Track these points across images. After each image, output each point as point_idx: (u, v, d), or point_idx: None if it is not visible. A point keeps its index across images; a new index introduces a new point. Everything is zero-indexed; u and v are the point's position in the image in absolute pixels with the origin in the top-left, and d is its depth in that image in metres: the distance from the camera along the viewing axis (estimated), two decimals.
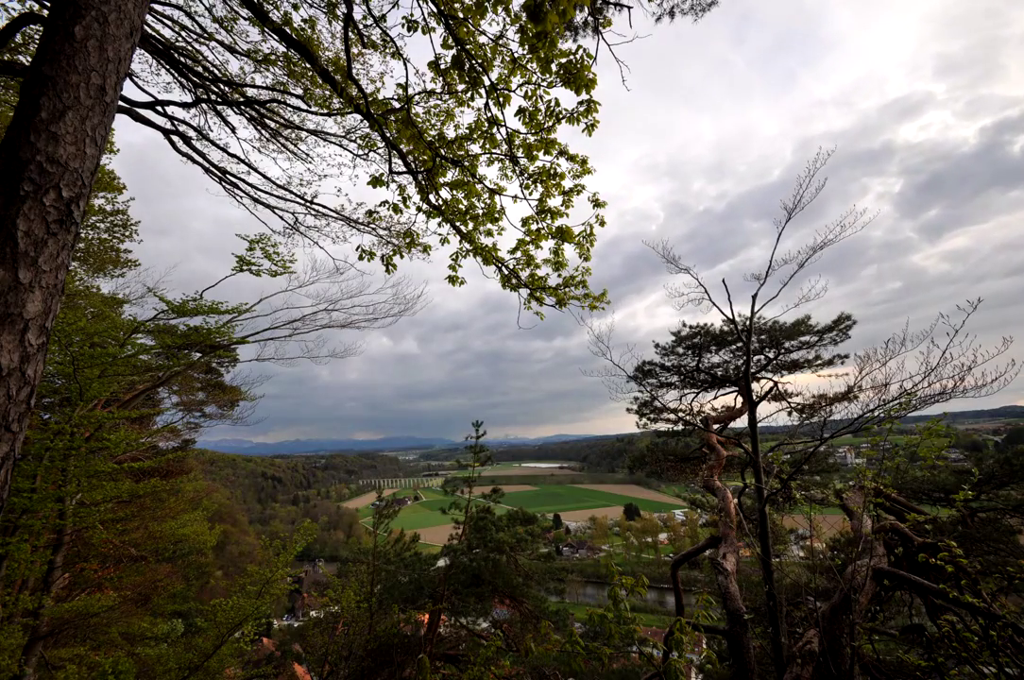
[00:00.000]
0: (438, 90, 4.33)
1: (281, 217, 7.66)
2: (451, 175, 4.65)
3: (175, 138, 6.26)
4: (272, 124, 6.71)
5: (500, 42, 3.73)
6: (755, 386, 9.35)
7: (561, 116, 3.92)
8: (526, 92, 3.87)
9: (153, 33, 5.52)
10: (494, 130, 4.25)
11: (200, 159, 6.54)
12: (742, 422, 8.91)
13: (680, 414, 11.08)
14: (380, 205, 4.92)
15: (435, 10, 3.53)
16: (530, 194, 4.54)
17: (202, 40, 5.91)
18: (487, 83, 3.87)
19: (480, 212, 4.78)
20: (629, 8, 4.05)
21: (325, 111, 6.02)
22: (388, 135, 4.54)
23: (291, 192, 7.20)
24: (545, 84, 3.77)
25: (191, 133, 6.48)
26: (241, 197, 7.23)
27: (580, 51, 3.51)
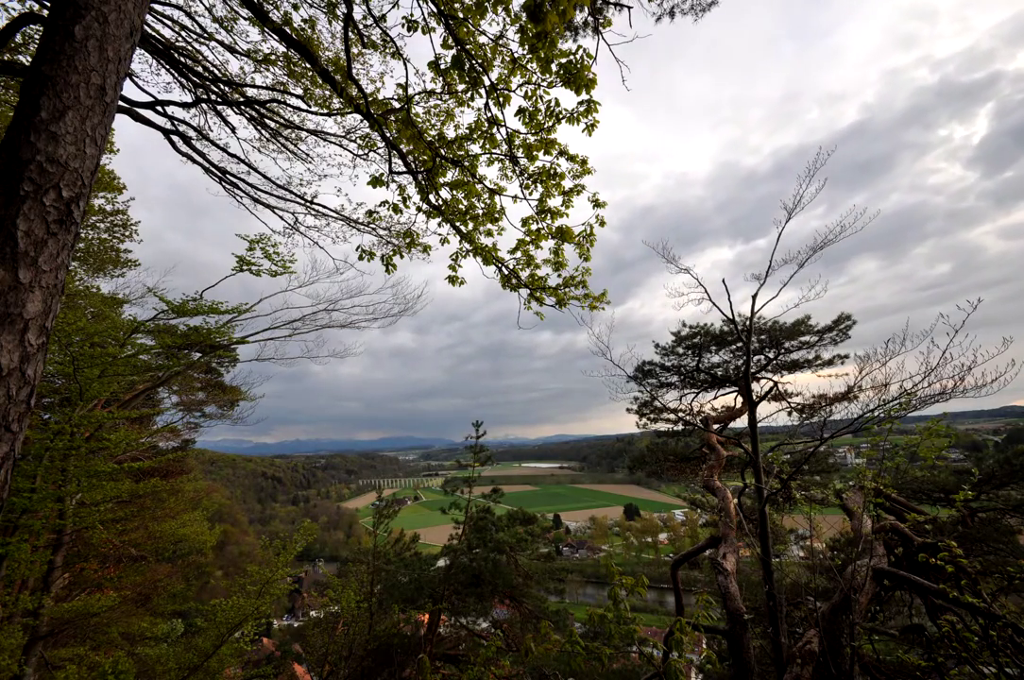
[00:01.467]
0: (438, 90, 4.33)
1: (281, 217, 7.66)
2: (451, 175, 4.65)
3: (175, 138, 6.26)
4: (272, 124, 6.71)
5: (500, 42, 3.74)
6: (755, 386, 9.36)
7: (561, 116, 3.92)
8: (526, 92, 3.87)
9: (153, 33, 5.52)
10: (494, 130, 4.25)
11: (200, 159, 6.54)
12: (742, 422, 8.91)
13: (680, 414, 11.09)
14: (380, 205, 4.92)
15: (435, 10, 3.53)
16: (530, 194, 4.54)
17: (202, 40, 5.91)
18: (487, 83, 3.87)
19: (480, 212, 4.78)
20: (629, 8, 4.05)
21: (325, 111, 6.02)
22: (388, 135, 4.54)
23: (291, 192, 7.20)
24: (545, 84, 3.77)
25: (191, 133, 6.48)
26: (241, 197, 7.23)
27: (580, 51, 3.50)
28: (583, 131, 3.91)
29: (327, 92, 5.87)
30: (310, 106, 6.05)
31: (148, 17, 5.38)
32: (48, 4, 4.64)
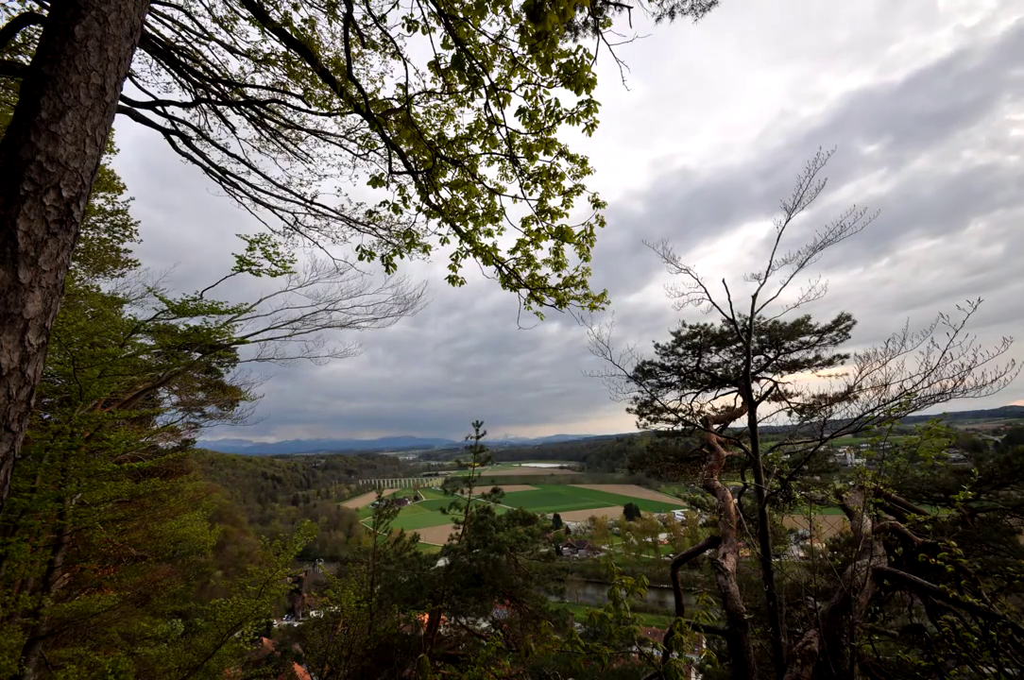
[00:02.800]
0: (438, 90, 4.33)
1: (281, 217, 7.66)
2: (451, 175, 4.65)
3: (175, 138, 6.26)
4: (272, 124, 6.71)
5: (500, 42, 3.73)
6: (755, 386, 9.36)
7: (561, 116, 3.92)
8: (526, 92, 3.87)
9: (153, 33, 5.52)
10: (494, 130, 4.25)
11: (200, 159, 6.54)
12: (742, 422, 8.91)
13: (680, 414, 11.09)
14: (380, 205, 4.92)
15: (435, 10, 3.53)
16: (530, 194, 4.54)
17: (202, 40, 5.91)
18: (487, 83, 3.87)
19: (480, 212, 4.78)
20: (629, 8, 4.05)
21: (325, 111, 6.02)
22: (388, 135, 4.54)
23: (291, 192, 7.20)
24: (545, 84, 3.77)
25: (191, 133, 6.48)
26: (241, 197, 7.23)
27: (580, 51, 3.51)
28: (583, 131, 3.91)
29: (327, 92, 5.87)
30: (310, 106, 6.05)
31: (148, 17, 5.38)
32: (48, 4, 4.64)
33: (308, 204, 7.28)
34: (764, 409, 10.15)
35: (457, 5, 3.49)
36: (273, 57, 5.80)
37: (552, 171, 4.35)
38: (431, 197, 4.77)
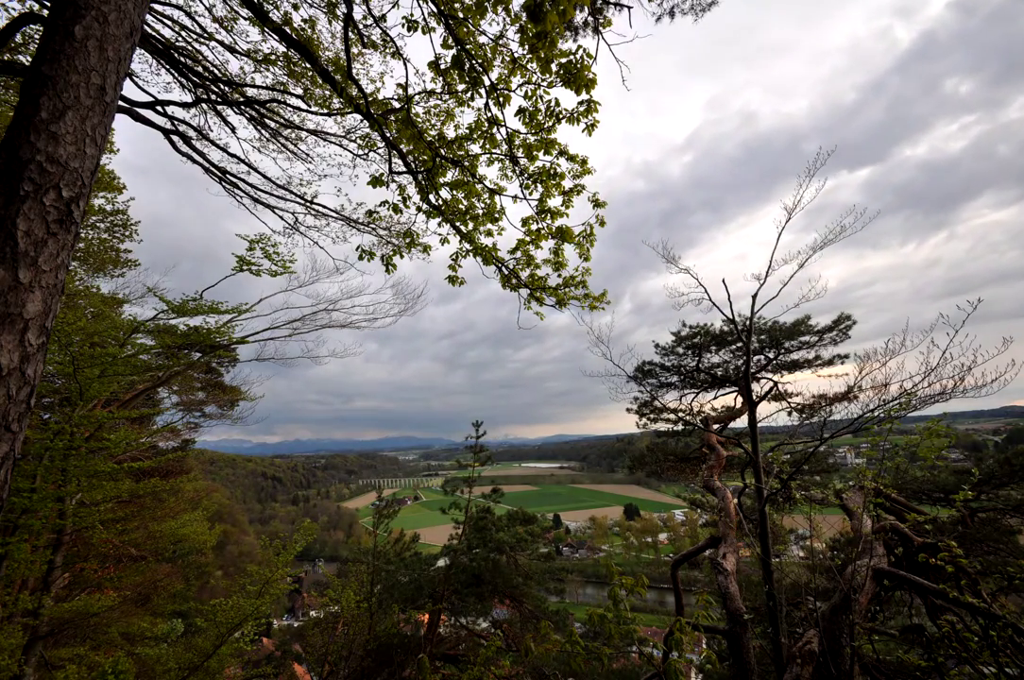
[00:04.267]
0: (438, 90, 4.33)
1: (281, 217, 7.66)
2: (451, 175, 4.64)
3: (175, 138, 6.26)
4: (272, 124, 6.71)
5: (500, 42, 3.73)
6: (755, 386, 9.36)
7: (561, 116, 3.92)
8: (526, 92, 3.87)
9: (153, 33, 5.52)
10: (494, 130, 4.25)
11: (200, 159, 6.54)
12: (742, 422, 8.91)
13: (680, 414, 11.08)
14: (380, 205, 4.92)
15: (435, 10, 3.53)
16: (530, 194, 4.54)
17: (202, 40, 5.91)
18: (487, 83, 3.87)
19: (480, 212, 4.78)
20: (629, 8, 4.05)
21: (325, 111, 6.02)
22: (388, 135, 4.54)
23: (291, 192, 7.21)
24: (545, 84, 3.77)
25: (191, 133, 6.48)
26: (241, 197, 7.23)
27: (580, 51, 3.50)
28: (583, 131, 3.91)
29: (327, 92, 5.87)
30: (310, 106, 6.05)
31: (148, 17, 5.38)
32: (48, 4, 4.63)
33: (308, 204, 7.28)
34: (764, 409, 10.15)
35: (457, 5, 3.49)
36: (273, 57, 5.81)
37: (552, 171, 4.35)
38: (431, 197, 4.77)
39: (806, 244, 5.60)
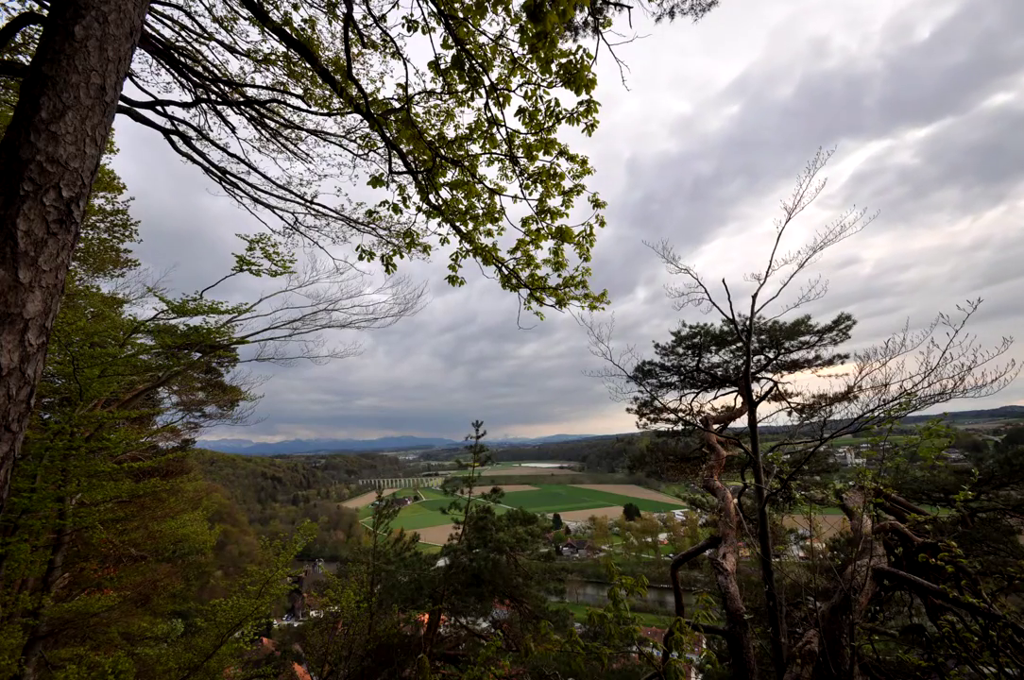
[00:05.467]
0: (438, 90, 4.33)
1: (281, 217, 7.66)
2: (451, 175, 4.64)
3: (175, 138, 6.26)
4: (272, 124, 6.71)
5: (500, 42, 3.73)
6: (755, 386, 9.35)
7: (561, 116, 3.92)
8: (526, 92, 3.87)
9: (153, 33, 5.52)
10: (494, 130, 4.25)
11: (200, 159, 6.54)
12: (742, 422, 8.90)
13: (680, 414, 11.09)
14: (380, 205, 4.92)
15: (435, 10, 3.53)
16: (530, 194, 4.54)
17: (202, 40, 5.91)
18: (487, 83, 3.87)
19: (480, 212, 4.78)
20: (629, 8, 4.05)
21: (325, 111, 6.02)
22: (388, 135, 4.54)
23: (291, 192, 7.20)
24: (545, 84, 3.77)
25: (191, 133, 6.48)
26: (241, 197, 7.23)
27: (580, 51, 3.50)
28: (583, 131, 3.91)
29: (327, 92, 5.87)
30: (310, 106, 6.05)
31: (148, 17, 5.38)
32: (48, 4, 4.63)
33: (308, 204, 7.28)
34: (764, 409, 10.15)
35: (457, 5, 3.49)
36: (273, 57, 5.80)
37: (552, 171, 4.35)
38: (431, 197, 4.77)
39: (806, 244, 5.60)
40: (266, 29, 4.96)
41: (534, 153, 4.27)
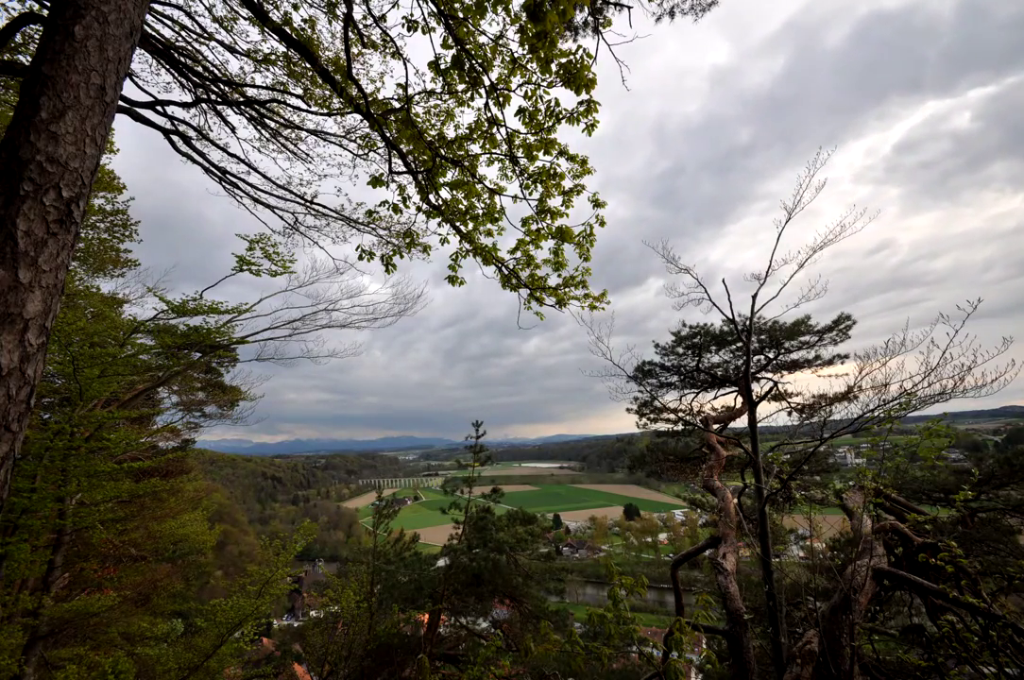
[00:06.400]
0: (438, 90, 4.33)
1: (281, 217, 7.66)
2: (451, 175, 4.65)
3: (175, 138, 6.26)
4: (272, 124, 6.71)
5: (500, 42, 3.73)
6: (755, 386, 9.35)
7: (561, 116, 3.92)
8: (526, 92, 3.87)
9: (153, 33, 5.52)
10: (494, 130, 4.25)
11: (200, 159, 6.54)
12: (742, 422, 8.90)
13: (680, 414, 11.08)
14: (380, 205, 4.92)
15: (435, 10, 3.53)
16: (530, 194, 4.54)
17: (202, 40, 5.91)
18: (487, 83, 3.87)
19: (480, 212, 4.78)
20: (629, 8, 4.05)
21: (325, 111, 6.02)
22: (388, 135, 4.54)
23: (291, 192, 7.20)
24: (545, 84, 3.77)
25: (191, 133, 6.48)
26: (241, 197, 7.23)
27: (580, 51, 3.50)
28: (583, 131, 3.91)
29: (327, 92, 5.87)
30: (310, 106, 6.05)
31: (148, 17, 5.38)
32: (48, 4, 4.63)
33: (308, 204, 7.28)
34: (764, 409, 10.15)
35: (457, 5, 3.49)
36: (273, 57, 5.80)
37: (552, 171, 4.35)
38: (431, 197, 4.77)
39: (806, 244, 5.60)
40: (266, 29, 4.96)
41: (534, 153, 4.27)
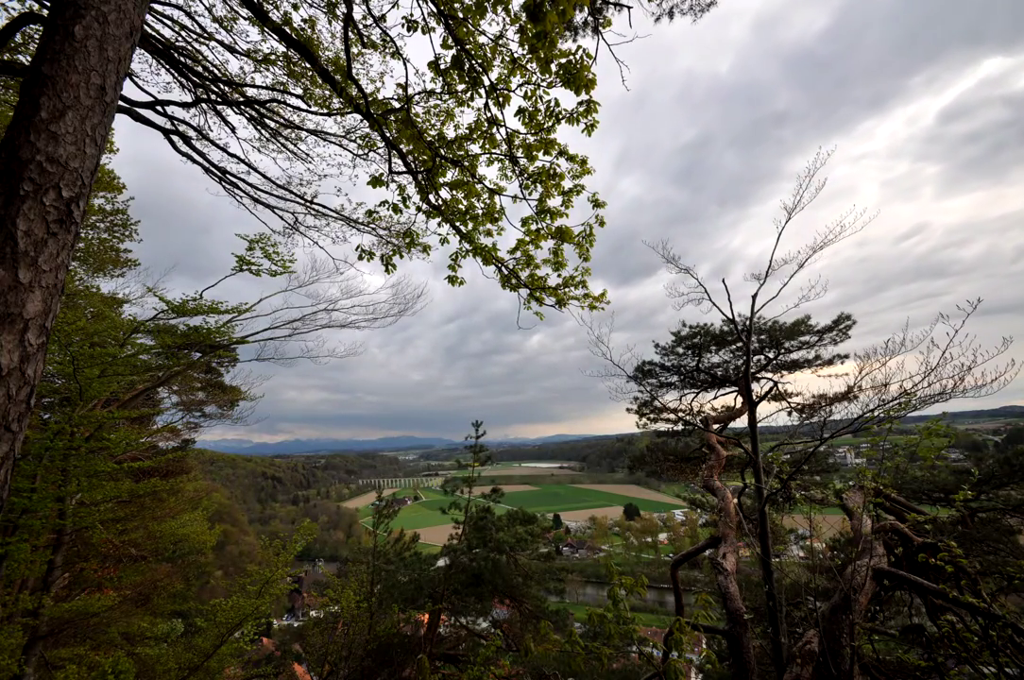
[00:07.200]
0: (438, 90, 4.33)
1: (281, 217, 7.66)
2: (451, 175, 4.65)
3: (175, 138, 6.26)
4: (272, 124, 6.71)
5: (500, 42, 3.74)
6: (755, 386, 9.35)
7: (561, 116, 3.92)
8: (526, 92, 3.87)
9: (153, 33, 5.52)
10: (494, 130, 4.25)
11: (200, 159, 6.54)
12: (742, 422, 8.90)
13: (680, 414, 11.09)
14: (380, 205, 4.92)
15: (435, 10, 3.53)
16: (530, 194, 4.54)
17: (202, 40, 5.91)
18: (487, 83, 3.88)
19: (480, 212, 4.78)
20: (629, 8, 4.05)
21: (325, 111, 6.02)
22: (388, 135, 4.54)
23: (291, 192, 7.21)
24: (545, 84, 3.77)
25: (191, 133, 6.48)
26: (241, 197, 7.23)
27: (580, 51, 3.50)
28: (583, 131, 3.91)
29: (327, 92, 5.87)
30: (310, 106, 6.05)
31: (148, 17, 5.38)
32: (48, 4, 4.63)
33: (308, 204, 7.28)
34: (764, 409, 10.16)
35: (457, 5, 3.49)
36: (273, 57, 5.80)
37: (552, 171, 4.35)
38: (431, 197, 4.77)
39: (806, 244, 5.60)
40: (266, 29, 4.96)
41: (534, 153, 4.27)
